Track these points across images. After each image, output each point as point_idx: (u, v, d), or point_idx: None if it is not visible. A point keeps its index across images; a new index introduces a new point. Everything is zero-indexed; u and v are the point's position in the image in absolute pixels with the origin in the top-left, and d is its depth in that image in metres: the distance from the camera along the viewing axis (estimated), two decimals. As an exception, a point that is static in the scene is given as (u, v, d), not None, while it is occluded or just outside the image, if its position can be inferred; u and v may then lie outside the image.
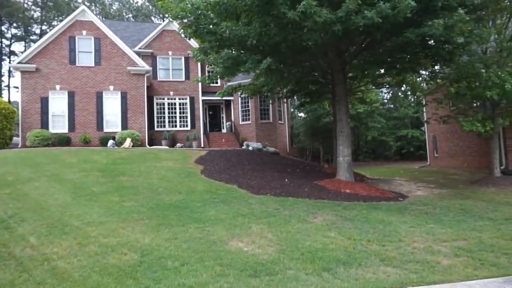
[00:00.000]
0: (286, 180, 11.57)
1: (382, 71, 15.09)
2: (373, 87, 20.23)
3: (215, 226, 6.44)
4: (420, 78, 17.59)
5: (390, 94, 45.45)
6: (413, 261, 4.91)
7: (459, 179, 15.10)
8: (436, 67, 14.53)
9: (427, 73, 15.52)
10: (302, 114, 42.69)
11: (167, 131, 22.13)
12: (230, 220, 6.84)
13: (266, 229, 6.35)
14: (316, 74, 16.01)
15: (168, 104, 23.19)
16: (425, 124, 25.66)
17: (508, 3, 12.64)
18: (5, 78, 50.15)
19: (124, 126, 19.36)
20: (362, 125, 32.21)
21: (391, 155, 39.61)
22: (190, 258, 4.96)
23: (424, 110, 25.73)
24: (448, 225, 6.84)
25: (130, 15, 59.13)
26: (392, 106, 45.20)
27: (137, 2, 59.12)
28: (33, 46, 19.51)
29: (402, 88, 20.70)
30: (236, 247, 5.43)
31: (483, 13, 12.24)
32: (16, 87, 46.01)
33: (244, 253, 5.20)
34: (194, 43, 20.90)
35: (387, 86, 20.86)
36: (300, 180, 11.80)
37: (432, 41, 10.24)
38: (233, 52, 11.59)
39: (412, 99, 39.17)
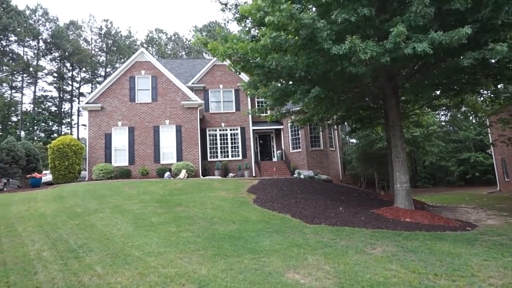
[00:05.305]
0: (341, 208, 11.21)
1: (438, 92, 14.42)
2: (429, 110, 19.34)
3: (270, 256, 6.36)
4: (482, 98, 16.55)
5: (448, 116, 43.04)
6: (489, 299, 4.45)
7: (536, 206, 13.64)
8: (499, 85, 13.61)
9: (488, 93, 14.58)
10: (353, 140, 41.71)
11: (220, 161, 22.70)
12: (285, 250, 6.73)
13: (322, 260, 6.14)
14: (367, 99, 15.71)
15: (220, 135, 23.93)
16: (491, 147, 23.81)
17: None
18: (74, 117, 55.23)
19: (179, 157, 20.20)
20: (419, 149, 30.65)
21: (453, 181, 36.99)
22: (247, 290, 4.91)
23: (489, 131, 23.96)
24: (529, 259, 6.13)
25: (183, 53, 63.10)
26: (451, 128, 42.67)
27: (189, 40, 63.08)
28: (99, 87, 21.40)
29: (462, 109, 19.45)
30: (292, 279, 5.30)
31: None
32: (84, 125, 50.54)
33: (301, 285, 5.05)
34: (244, 75, 21.66)
35: (444, 108, 19.83)
36: (355, 209, 11.38)
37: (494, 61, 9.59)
38: (282, 83, 11.76)
39: (474, 120, 36.77)
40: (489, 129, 23.21)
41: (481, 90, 14.08)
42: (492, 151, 25.27)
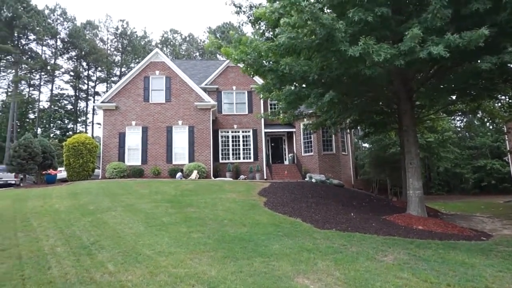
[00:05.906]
0: (352, 214, 11.11)
1: (454, 97, 14.19)
2: (444, 115, 19.04)
3: (280, 260, 6.34)
4: (499, 104, 16.22)
5: (464, 122, 42.27)
6: (504, 312, 4.34)
7: (554, 216, 13.27)
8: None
9: (506, 98, 14.29)
10: (366, 145, 41.32)
11: (231, 163, 22.75)
12: (295, 255, 6.70)
13: (332, 266, 6.10)
14: (381, 103, 15.56)
15: (232, 137, 24.00)
16: (509, 154, 23.29)
17: None
18: (89, 116, 56.21)
19: (191, 158, 20.33)
20: (433, 155, 30.12)
21: (468, 188, 36.24)
22: (256, 293, 4.91)
23: (506, 138, 23.44)
24: (546, 271, 5.97)
25: (197, 53, 63.59)
26: (466, 134, 41.89)
27: (203, 41, 63.53)
28: (114, 87, 21.70)
29: (478, 115, 19.06)
30: (302, 284, 5.27)
31: None
32: (99, 124, 51.35)
33: (310, 291, 5.02)
34: (257, 78, 21.69)
35: (459, 113, 19.49)
36: (367, 215, 11.26)
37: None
38: (296, 87, 11.69)
39: (491, 127, 36.01)
40: (506, 136, 22.70)
41: (499, 96, 13.80)
42: (509, 158, 24.71)
